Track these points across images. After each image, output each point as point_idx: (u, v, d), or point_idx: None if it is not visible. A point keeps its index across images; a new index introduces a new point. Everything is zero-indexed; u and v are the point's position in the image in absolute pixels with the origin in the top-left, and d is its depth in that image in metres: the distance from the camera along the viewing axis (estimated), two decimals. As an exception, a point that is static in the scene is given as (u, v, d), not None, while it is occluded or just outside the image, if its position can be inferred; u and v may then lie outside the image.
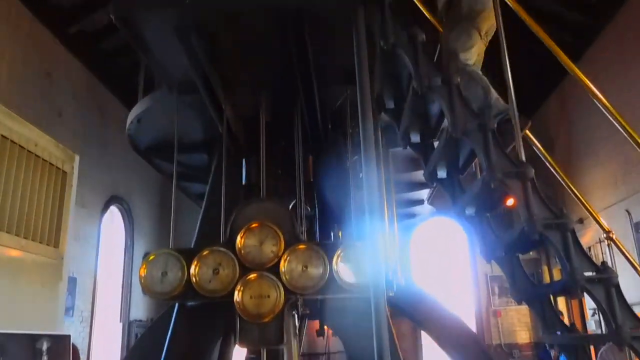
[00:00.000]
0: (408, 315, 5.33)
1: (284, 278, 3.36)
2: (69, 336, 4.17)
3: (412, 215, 9.39)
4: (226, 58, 3.74)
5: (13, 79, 7.07)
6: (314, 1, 3.22)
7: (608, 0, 7.84)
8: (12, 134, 3.18)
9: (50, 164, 3.78)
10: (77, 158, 4.18)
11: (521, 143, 2.77)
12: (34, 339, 3.65)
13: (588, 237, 8.48)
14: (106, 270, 9.72)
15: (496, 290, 11.51)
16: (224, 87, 3.95)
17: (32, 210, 3.70)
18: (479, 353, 5.10)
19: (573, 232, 2.47)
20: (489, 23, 3.44)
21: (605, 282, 2.30)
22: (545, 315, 2.83)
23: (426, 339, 9.61)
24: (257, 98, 4.08)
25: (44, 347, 3.69)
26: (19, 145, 3.32)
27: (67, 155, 4.04)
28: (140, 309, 10.63)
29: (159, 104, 4.39)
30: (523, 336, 11.38)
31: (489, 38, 3.68)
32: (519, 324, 11.44)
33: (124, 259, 10.43)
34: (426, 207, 8.81)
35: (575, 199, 3.42)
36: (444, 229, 12.02)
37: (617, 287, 2.31)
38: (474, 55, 3.44)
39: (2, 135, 3.16)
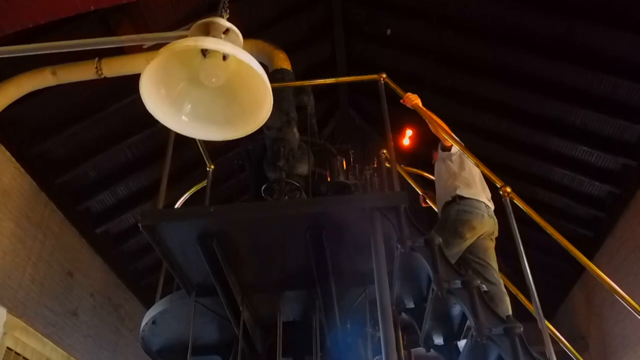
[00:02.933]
0: None
1: None
2: None
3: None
4: (245, 262, 3.80)
5: (36, 280, 7.17)
6: (331, 211, 3.37)
7: (617, 196, 8.24)
8: (26, 350, 3.14)
9: (59, 381, 3.64)
10: (86, 375, 4.03)
11: (552, 349, 2.64)
12: None
13: None
14: None
15: None
16: (242, 290, 3.95)
17: None
18: None
19: None
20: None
21: None
22: None
23: None
24: (275, 300, 4.06)
25: None
26: (30, 362, 3.26)
27: (76, 372, 3.91)
28: None
29: (176, 306, 4.36)
30: None
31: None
32: None
33: None
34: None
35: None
36: None
37: None
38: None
39: (15, 352, 3.12)
